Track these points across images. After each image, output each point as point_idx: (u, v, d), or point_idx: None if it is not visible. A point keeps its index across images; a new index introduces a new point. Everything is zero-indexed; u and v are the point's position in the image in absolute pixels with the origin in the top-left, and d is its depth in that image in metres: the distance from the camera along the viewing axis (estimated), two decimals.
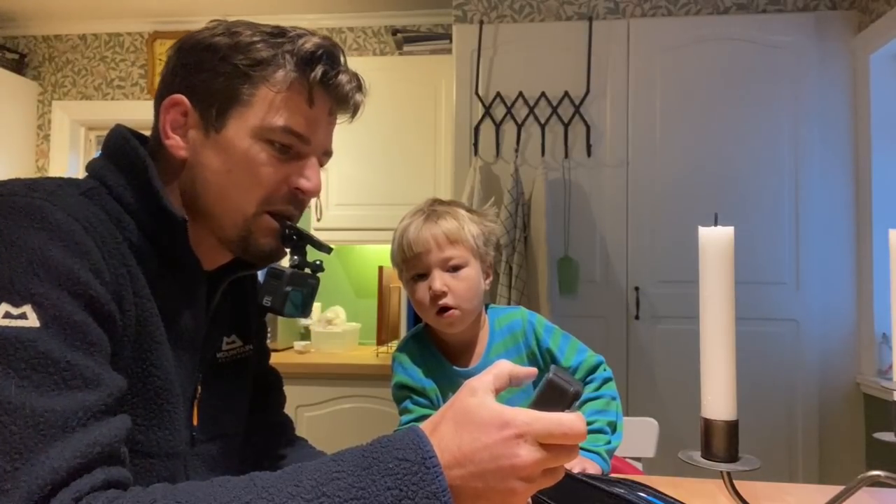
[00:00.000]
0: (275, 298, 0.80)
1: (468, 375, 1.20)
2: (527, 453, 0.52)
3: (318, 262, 0.85)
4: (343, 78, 0.78)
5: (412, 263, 1.21)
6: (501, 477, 0.52)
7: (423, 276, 1.21)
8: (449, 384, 1.24)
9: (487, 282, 1.26)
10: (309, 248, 0.83)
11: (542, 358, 1.25)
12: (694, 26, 2.38)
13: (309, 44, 0.75)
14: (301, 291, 0.82)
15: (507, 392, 0.57)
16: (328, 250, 0.85)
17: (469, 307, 1.20)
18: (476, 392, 0.56)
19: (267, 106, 0.75)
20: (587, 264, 2.36)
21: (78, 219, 0.63)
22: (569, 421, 0.53)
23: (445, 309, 1.18)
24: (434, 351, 1.28)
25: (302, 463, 0.56)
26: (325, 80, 0.76)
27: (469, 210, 1.27)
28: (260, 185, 0.76)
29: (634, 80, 2.38)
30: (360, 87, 0.81)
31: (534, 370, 0.59)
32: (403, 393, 1.25)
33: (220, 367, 0.86)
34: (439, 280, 1.18)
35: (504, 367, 0.58)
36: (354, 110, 0.82)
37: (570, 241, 2.35)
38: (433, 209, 1.23)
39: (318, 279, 0.85)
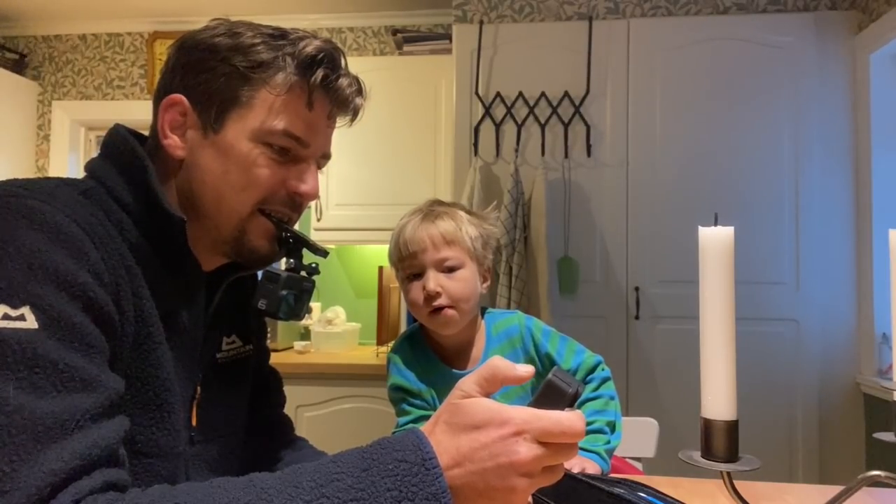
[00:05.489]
0: (270, 302, 0.80)
1: None
2: (526, 450, 0.52)
3: (313, 266, 0.85)
4: (343, 82, 0.78)
5: (408, 263, 1.20)
6: (501, 475, 0.52)
7: (419, 275, 1.20)
8: (445, 386, 1.24)
9: (485, 286, 1.25)
10: (304, 251, 0.83)
11: (541, 362, 1.24)
12: (694, 26, 2.38)
13: (310, 47, 0.75)
14: (296, 295, 0.82)
15: (505, 396, 0.57)
16: (324, 254, 0.85)
17: (464, 308, 1.19)
18: (468, 392, 0.56)
19: (266, 109, 0.74)
20: (587, 264, 2.36)
21: (77, 220, 0.63)
22: (567, 419, 0.53)
23: (440, 308, 1.18)
24: (429, 353, 1.27)
25: (301, 464, 0.56)
26: (325, 84, 0.76)
27: (469, 212, 1.26)
28: (256, 186, 0.75)
29: (634, 80, 2.38)
30: (360, 91, 0.81)
31: (529, 370, 0.57)
32: (399, 395, 1.24)
33: (219, 368, 0.86)
34: (433, 280, 1.17)
35: (499, 367, 0.56)
36: (354, 114, 0.82)
37: (570, 241, 2.35)
38: (432, 209, 1.23)
39: (313, 282, 0.84)
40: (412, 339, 1.29)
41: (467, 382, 0.56)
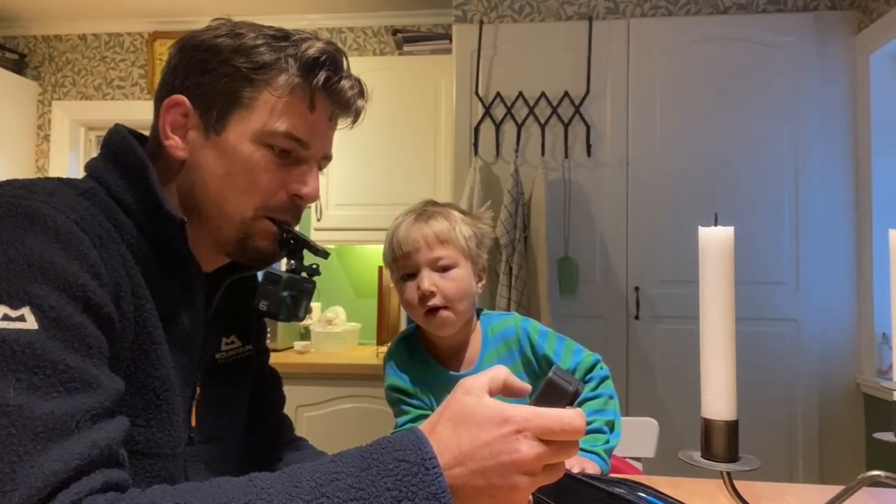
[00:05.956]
0: (271, 303, 0.80)
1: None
2: (527, 448, 0.52)
3: (314, 267, 0.85)
4: (345, 84, 0.78)
5: (402, 263, 1.20)
6: (503, 473, 0.52)
7: (413, 275, 1.20)
8: (441, 388, 1.24)
9: (480, 285, 1.25)
10: (305, 252, 0.83)
11: (538, 364, 1.24)
12: (694, 26, 2.38)
13: (312, 49, 0.75)
14: (297, 296, 0.82)
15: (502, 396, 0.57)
16: (325, 255, 0.85)
17: (460, 308, 1.19)
18: (471, 391, 0.56)
19: (268, 110, 0.74)
20: (587, 264, 2.36)
21: (76, 220, 0.63)
22: (568, 417, 0.53)
23: (435, 309, 1.18)
24: (424, 355, 1.27)
25: (301, 464, 0.56)
26: (327, 86, 0.76)
27: (463, 212, 1.26)
28: (258, 189, 0.76)
29: (634, 80, 2.38)
30: (361, 93, 0.81)
31: (527, 387, 0.59)
32: (396, 395, 1.25)
33: (219, 368, 0.86)
34: (428, 280, 1.17)
35: (501, 373, 0.58)
36: (355, 116, 0.82)
37: (570, 241, 2.35)
38: (425, 209, 1.23)
39: (314, 283, 0.85)
40: (408, 340, 1.29)
41: (471, 383, 0.56)
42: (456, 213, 1.23)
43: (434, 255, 1.18)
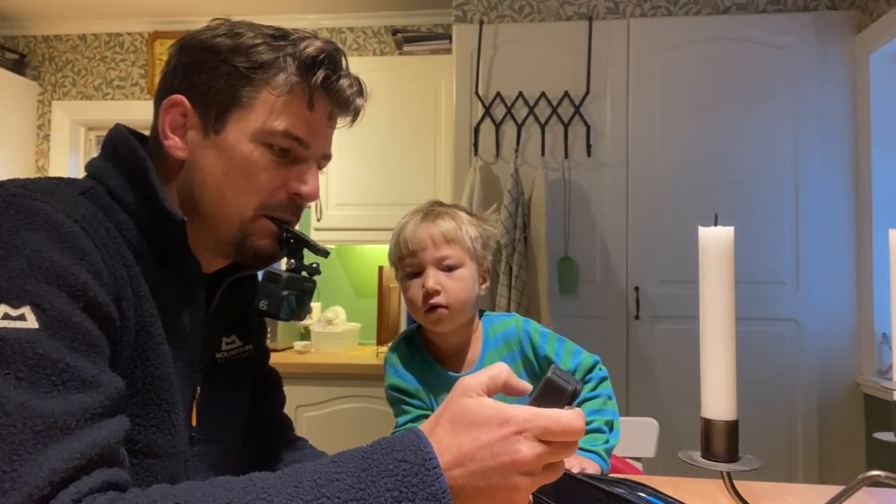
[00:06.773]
0: (271, 303, 0.80)
1: None
2: (528, 449, 0.52)
3: (314, 266, 0.85)
4: (344, 83, 0.78)
5: (408, 261, 1.21)
6: (503, 474, 0.52)
7: (418, 274, 1.20)
8: (442, 388, 1.24)
9: (483, 287, 1.25)
10: (305, 251, 0.83)
11: (539, 365, 1.24)
12: (694, 26, 2.38)
13: (311, 48, 0.75)
14: (297, 295, 0.82)
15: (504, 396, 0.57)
16: (325, 254, 0.85)
17: (460, 308, 1.19)
18: (469, 391, 0.56)
19: (267, 109, 0.74)
20: (587, 264, 2.36)
21: (77, 220, 0.63)
22: (567, 417, 0.53)
23: (435, 306, 1.18)
24: (425, 355, 1.27)
25: (302, 464, 0.56)
26: (326, 85, 0.76)
27: (469, 213, 1.27)
28: (258, 188, 0.76)
29: (634, 80, 2.38)
30: (361, 92, 0.81)
31: (528, 387, 0.59)
32: (397, 395, 1.25)
33: (219, 368, 0.86)
34: (433, 278, 1.17)
35: (502, 372, 0.58)
36: (355, 115, 0.82)
37: (570, 241, 2.35)
38: (432, 209, 1.23)
39: (314, 283, 0.85)
40: (409, 340, 1.29)
41: (469, 382, 0.56)
42: (463, 214, 1.24)
43: (440, 255, 1.18)
